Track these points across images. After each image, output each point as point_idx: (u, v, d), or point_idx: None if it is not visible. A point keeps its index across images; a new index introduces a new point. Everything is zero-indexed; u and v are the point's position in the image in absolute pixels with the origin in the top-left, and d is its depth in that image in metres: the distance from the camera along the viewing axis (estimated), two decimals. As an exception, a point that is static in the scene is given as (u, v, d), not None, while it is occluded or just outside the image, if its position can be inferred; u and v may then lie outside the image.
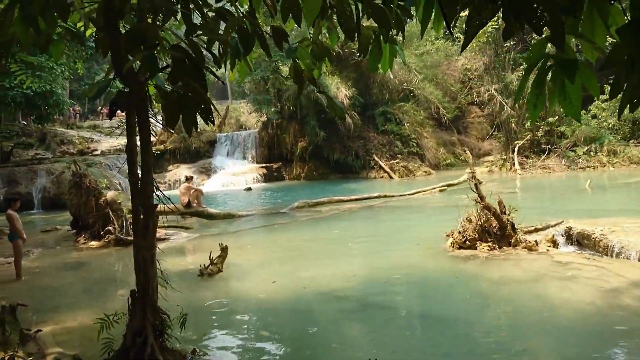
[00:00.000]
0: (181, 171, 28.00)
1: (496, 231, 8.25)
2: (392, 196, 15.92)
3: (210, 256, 8.11)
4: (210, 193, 22.85)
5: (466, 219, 8.67)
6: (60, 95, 15.23)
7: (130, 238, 11.18)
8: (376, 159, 24.81)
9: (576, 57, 2.19)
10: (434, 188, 16.62)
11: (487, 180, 18.90)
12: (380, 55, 4.42)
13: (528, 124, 21.49)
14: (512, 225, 8.24)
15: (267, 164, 28.08)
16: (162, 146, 30.12)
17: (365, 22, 4.02)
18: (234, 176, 26.83)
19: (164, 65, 4.34)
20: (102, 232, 11.32)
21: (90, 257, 10.34)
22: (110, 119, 4.68)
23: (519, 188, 17.41)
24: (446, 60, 29.13)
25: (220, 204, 19.36)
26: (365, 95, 26.54)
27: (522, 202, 13.74)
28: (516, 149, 21.62)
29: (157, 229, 11.86)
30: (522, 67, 22.19)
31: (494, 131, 29.94)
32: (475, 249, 8.24)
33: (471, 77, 28.93)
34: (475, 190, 8.33)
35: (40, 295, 7.74)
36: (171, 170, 28.35)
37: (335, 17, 4.42)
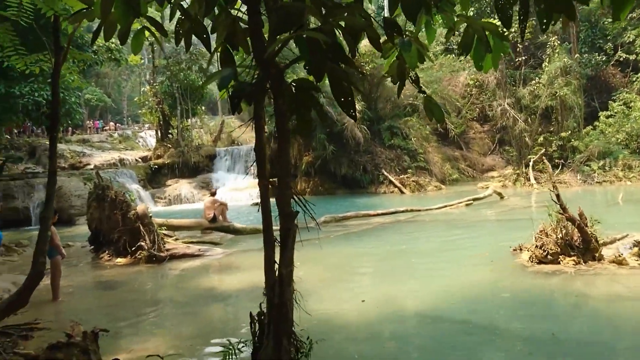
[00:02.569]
0: (181, 186, 27.12)
1: (578, 244, 7.75)
2: (419, 210, 15.40)
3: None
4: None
5: (541, 232, 8.15)
6: (72, 104, 14.38)
7: (163, 254, 10.42)
8: (385, 173, 24.36)
9: None
10: (460, 202, 16.17)
11: (509, 195, 18.56)
12: (486, 52, 3.94)
13: (541, 138, 21.33)
14: (596, 238, 7.76)
15: (270, 179, 27.33)
16: (160, 160, 29.20)
17: None
18: (236, 191, 26.02)
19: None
20: (132, 249, 10.48)
21: (122, 276, 9.50)
22: (233, 113, 4.04)
23: (546, 202, 17.01)
24: (449, 75, 29.07)
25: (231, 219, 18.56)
26: (370, 109, 26.20)
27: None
28: (530, 164, 21.39)
29: (189, 244, 11.12)
30: (534, 81, 22.18)
31: (498, 146, 29.91)
32: (558, 263, 7.72)
33: (473, 92, 28.91)
34: (557, 201, 7.82)
35: (87, 318, 6.90)
36: (170, 185, 27.42)
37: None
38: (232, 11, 4.19)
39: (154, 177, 28.38)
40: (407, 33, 4.05)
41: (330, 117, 23.57)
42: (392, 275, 8.20)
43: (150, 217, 10.81)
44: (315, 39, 3.16)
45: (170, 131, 31.75)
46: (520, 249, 8.68)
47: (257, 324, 4.14)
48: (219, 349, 4.93)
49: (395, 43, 4.10)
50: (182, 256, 10.68)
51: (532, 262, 7.91)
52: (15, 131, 35.12)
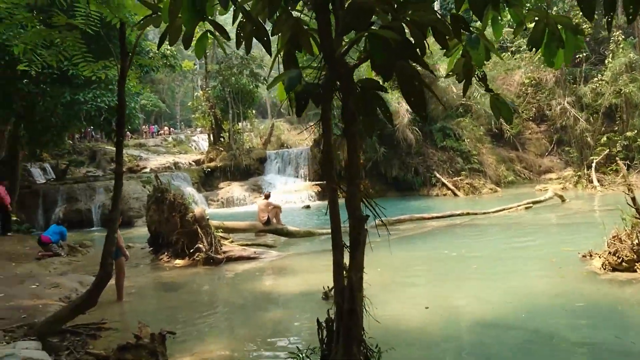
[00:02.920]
0: (233, 189, 27.55)
1: (657, 251, 7.23)
2: (476, 214, 14.93)
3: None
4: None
5: (614, 237, 7.67)
6: (132, 110, 14.85)
7: (220, 256, 10.53)
8: (438, 175, 23.85)
9: None
10: (519, 205, 15.57)
11: (571, 198, 17.73)
12: (558, 48, 3.66)
13: (604, 138, 20.29)
14: (678, 244, 7.22)
15: (320, 182, 27.36)
16: (212, 164, 29.79)
17: None
18: (287, 194, 26.16)
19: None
20: (190, 250, 10.65)
21: (181, 277, 9.66)
22: (299, 115, 3.96)
23: (612, 205, 16.09)
24: (503, 74, 28.17)
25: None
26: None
27: None
28: (593, 165, 20.38)
29: (245, 247, 11.19)
30: (596, 78, 21.15)
31: (556, 147, 28.73)
32: (634, 271, 7.23)
33: (528, 91, 27.87)
34: (632, 205, 7.33)
35: (150, 319, 7.01)
36: (223, 188, 27.90)
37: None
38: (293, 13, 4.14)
39: (207, 179, 28.97)
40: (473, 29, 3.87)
41: (381, 118, 23.28)
42: (454, 280, 7.93)
43: (208, 219, 10.96)
44: (384, 36, 3.05)
45: (222, 135, 32.37)
46: (591, 255, 8.21)
47: (324, 330, 4.04)
48: (284, 353, 4.88)
49: (462, 39, 3.92)
50: (238, 258, 10.77)
51: (604, 269, 7.45)
52: (77, 136, 36.77)
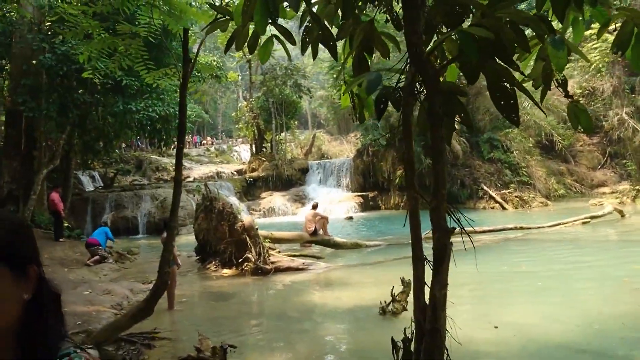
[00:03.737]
0: (275, 199, 27.57)
1: None
2: (530, 228, 14.31)
3: (392, 292, 7.00)
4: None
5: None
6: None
7: (269, 267, 10.38)
8: (485, 188, 23.16)
9: None
10: (576, 220, 14.83)
11: (630, 213, 16.81)
12: None
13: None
14: None
15: (363, 193, 27.07)
16: (255, 173, 29.94)
17: None
18: (329, 205, 25.95)
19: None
20: (238, 260, 10.55)
21: (230, 287, 9.55)
22: (379, 120, 3.74)
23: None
24: (554, 83, 27.21)
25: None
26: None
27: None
28: (654, 179, 19.34)
29: (293, 258, 11.01)
30: (657, 88, 20.12)
31: (609, 160, 27.58)
32: None
33: (581, 101, 26.80)
34: None
35: (205, 329, 6.89)
36: (264, 197, 27.96)
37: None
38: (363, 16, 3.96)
39: (249, 189, 29.12)
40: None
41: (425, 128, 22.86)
42: (519, 298, 7.50)
43: (257, 229, 10.84)
44: (475, 35, 2.81)
45: (264, 145, 32.56)
46: (669, 275, 7.62)
47: (400, 351, 3.77)
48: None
49: (545, 42, 3.62)
50: (287, 269, 10.59)
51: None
52: (124, 146, 37.74)
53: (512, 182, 23.31)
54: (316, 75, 48.55)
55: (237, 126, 35.06)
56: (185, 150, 37.76)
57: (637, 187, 20.09)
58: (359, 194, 26.92)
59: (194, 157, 39.82)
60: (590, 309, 6.66)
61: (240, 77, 44.08)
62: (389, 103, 3.69)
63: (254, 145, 33.56)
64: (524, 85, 2.98)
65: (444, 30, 3.67)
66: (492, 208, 22.59)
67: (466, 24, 3.08)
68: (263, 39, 4.00)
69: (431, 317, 3.45)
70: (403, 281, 7.10)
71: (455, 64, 3.63)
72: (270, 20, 3.71)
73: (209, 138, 50.92)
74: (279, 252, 11.74)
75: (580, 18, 3.84)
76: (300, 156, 35.62)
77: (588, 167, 28.63)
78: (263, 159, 31.06)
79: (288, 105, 30.06)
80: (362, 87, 3.44)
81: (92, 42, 6.54)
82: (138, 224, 21.48)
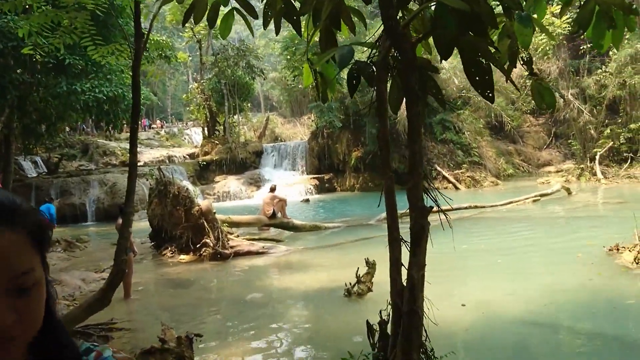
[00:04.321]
0: (229, 182, 27.09)
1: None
2: (484, 207, 14.65)
3: (357, 273, 6.94)
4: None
5: (645, 231, 7.40)
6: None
7: (228, 252, 10.14)
8: (439, 168, 23.58)
9: None
10: (527, 198, 15.31)
11: (575, 191, 17.52)
12: (608, 29, 3.33)
13: (608, 130, 20.11)
14: None
15: (318, 175, 27.00)
16: (208, 157, 29.27)
17: None
18: (285, 187, 25.75)
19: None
20: (196, 246, 10.25)
21: (189, 273, 9.27)
22: (352, 96, 3.59)
23: (626, 198, 15.84)
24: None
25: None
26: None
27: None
28: (597, 158, 20.19)
29: (252, 242, 10.81)
30: (600, 70, 20.94)
31: (554, 140, 28.69)
32: (667, 266, 6.97)
33: (528, 83, 27.63)
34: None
35: (165, 319, 6.63)
36: (219, 181, 27.43)
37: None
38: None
39: (202, 173, 28.49)
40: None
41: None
42: (483, 276, 7.64)
43: (214, 213, 10.55)
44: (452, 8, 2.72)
45: (217, 128, 31.83)
46: (617, 249, 7.94)
47: (376, 334, 3.69)
48: (325, 355, 4.52)
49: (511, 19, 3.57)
50: (246, 254, 10.38)
51: (638, 263, 7.17)
52: (67, 129, 35.99)
53: (464, 163, 23.83)
54: (268, 57, 47.76)
55: (188, 109, 34.09)
56: (133, 134, 36.18)
57: (581, 166, 20.96)
58: (315, 176, 26.84)
59: (143, 140, 38.46)
60: (552, 284, 6.84)
61: (190, 58, 42.78)
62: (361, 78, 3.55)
63: (206, 128, 32.77)
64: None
65: (416, 3, 3.54)
66: (446, 188, 23.01)
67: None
68: (222, 13, 3.76)
69: (409, 299, 3.39)
70: (367, 262, 7.05)
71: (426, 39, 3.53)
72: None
73: (158, 121, 49.38)
74: (238, 236, 11.50)
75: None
76: (254, 139, 35.09)
77: (534, 147, 29.68)
78: (216, 142, 30.39)
79: (241, 87, 29.41)
80: (335, 62, 3.28)
81: (33, 15, 6.03)
82: (86, 211, 20.61)
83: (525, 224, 12.20)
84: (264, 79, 35.33)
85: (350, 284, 6.93)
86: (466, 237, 11.03)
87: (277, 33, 4.40)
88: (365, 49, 3.72)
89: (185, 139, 42.71)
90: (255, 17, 4.58)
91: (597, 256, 7.98)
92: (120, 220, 7.86)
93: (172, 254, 10.89)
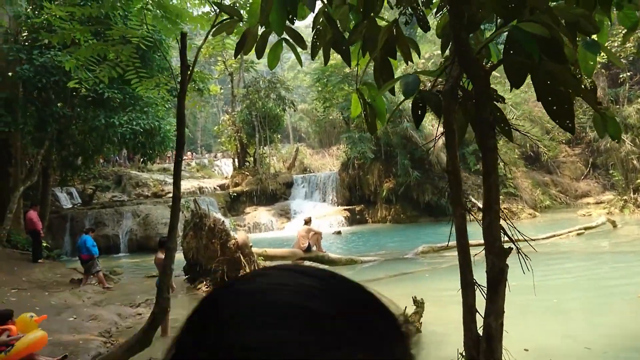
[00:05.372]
0: (260, 214, 27.00)
1: None
2: (525, 240, 14.03)
3: (404, 312, 6.55)
4: (293, 237, 21.21)
5: None
6: (168, 132, 14.43)
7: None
8: (473, 200, 23.01)
9: None
10: (570, 231, 14.67)
11: (621, 223, 16.76)
12: None
13: (652, 160, 19.38)
14: None
15: (349, 207, 26.68)
16: (238, 188, 29.34)
17: None
18: (316, 219, 25.48)
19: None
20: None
21: (225, 309, 8.99)
22: (417, 127, 3.32)
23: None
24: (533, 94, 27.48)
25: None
26: (455, 133, 25.11)
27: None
28: (641, 189, 19.43)
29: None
30: (640, 99, 20.34)
31: (592, 170, 27.88)
32: None
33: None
34: None
35: None
36: (249, 212, 27.39)
37: None
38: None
39: (233, 204, 28.51)
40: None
41: (414, 141, 22.72)
42: (539, 316, 7.17)
43: (251, 246, 10.35)
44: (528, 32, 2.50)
45: (247, 159, 32.01)
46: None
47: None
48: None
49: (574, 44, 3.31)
50: (283, 288, 10.09)
51: None
52: (101, 161, 36.73)
53: (499, 194, 23.22)
54: (296, 88, 48.32)
55: (219, 140, 34.44)
56: (164, 166, 36.83)
57: (624, 197, 20.17)
58: (346, 207, 26.55)
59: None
60: (615, 327, 6.35)
61: (221, 90, 43.57)
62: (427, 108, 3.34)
63: (236, 160, 32.99)
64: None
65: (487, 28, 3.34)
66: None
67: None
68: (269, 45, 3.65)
69: (486, 350, 3.06)
70: (415, 300, 6.70)
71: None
72: (287, 21, 3.37)
73: (188, 153, 50.06)
74: (273, 270, 11.25)
75: (605, 22, 3.56)
76: (283, 170, 35.15)
77: (571, 177, 28.86)
78: (246, 173, 30.51)
79: (271, 119, 29.63)
80: (400, 90, 3.07)
81: (81, 48, 6.06)
82: (119, 242, 20.72)
83: (572, 259, 11.60)
84: (294, 111, 35.56)
85: (397, 323, 6.56)
86: (510, 272, 10.54)
87: (325, 63, 4.24)
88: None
89: (215, 170, 43.08)
90: (304, 47, 4.42)
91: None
92: (160, 254, 7.74)
93: (206, 288, 10.69)
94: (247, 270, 10.08)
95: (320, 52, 3.53)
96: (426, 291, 8.66)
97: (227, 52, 32.57)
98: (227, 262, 10.42)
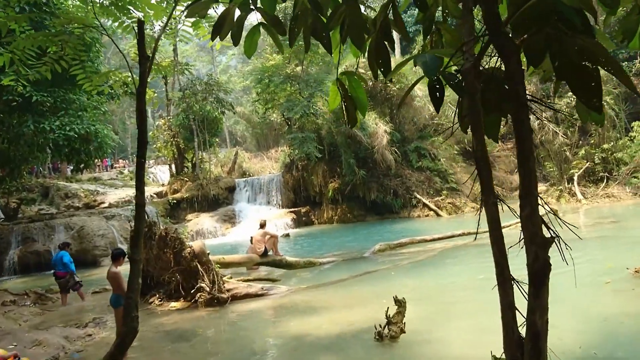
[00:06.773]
0: (202, 220, 26.02)
1: None
2: (477, 233, 14.24)
3: (387, 313, 6.30)
4: (239, 242, 20.51)
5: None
6: (106, 137, 13.36)
7: (225, 296, 9.32)
8: (418, 196, 23.33)
9: None
10: (518, 222, 15.02)
11: (562, 212, 17.47)
12: None
13: (582, 151, 20.42)
14: None
15: (294, 209, 26.27)
16: (178, 195, 28.14)
17: None
18: (262, 223, 24.86)
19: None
20: (190, 291, 9.37)
21: (186, 323, 8.37)
22: (437, 111, 3.00)
23: (614, 217, 15.81)
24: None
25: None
26: (396, 131, 25.40)
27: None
28: (575, 178, 20.39)
29: (250, 283, 10.00)
30: (570, 92, 21.38)
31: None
32: None
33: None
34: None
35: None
36: (191, 219, 26.31)
37: None
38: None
39: (173, 212, 27.29)
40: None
41: (358, 139, 22.68)
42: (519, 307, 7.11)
43: (208, 254, 9.72)
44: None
45: (185, 165, 30.81)
46: (644, 271, 7.63)
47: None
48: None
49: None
50: (245, 297, 9.58)
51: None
52: (25, 172, 34.10)
53: (443, 189, 23.70)
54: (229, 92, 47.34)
55: (154, 146, 32.93)
56: (95, 175, 34.82)
57: (560, 188, 21.12)
58: (291, 209, 26.12)
59: (106, 181, 36.98)
60: (593, 312, 6.39)
61: (156, 94, 41.82)
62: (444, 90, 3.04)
63: (173, 166, 31.69)
64: None
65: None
66: (427, 216, 22.77)
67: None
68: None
69: (531, 350, 2.78)
70: (397, 300, 6.42)
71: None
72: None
73: (120, 161, 47.79)
74: (231, 277, 10.67)
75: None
76: (222, 175, 34.19)
77: (506, 171, 30.02)
78: (185, 179, 29.35)
79: (210, 122, 28.69)
80: (421, 69, 2.73)
81: (18, 40, 5.30)
82: (51, 258, 19.10)
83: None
84: (234, 113, 34.69)
85: (380, 325, 6.27)
86: (472, 265, 10.73)
87: (306, 50, 3.87)
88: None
89: (150, 177, 41.28)
90: (284, 33, 4.03)
91: (624, 279, 7.63)
92: (113, 268, 7.02)
93: (160, 301, 9.97)
94: (206, 279, 9.47)
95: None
96: (398, 289, 8.43)
97: (161, 54, 31.24)
98: (181, 272, 9.75)
